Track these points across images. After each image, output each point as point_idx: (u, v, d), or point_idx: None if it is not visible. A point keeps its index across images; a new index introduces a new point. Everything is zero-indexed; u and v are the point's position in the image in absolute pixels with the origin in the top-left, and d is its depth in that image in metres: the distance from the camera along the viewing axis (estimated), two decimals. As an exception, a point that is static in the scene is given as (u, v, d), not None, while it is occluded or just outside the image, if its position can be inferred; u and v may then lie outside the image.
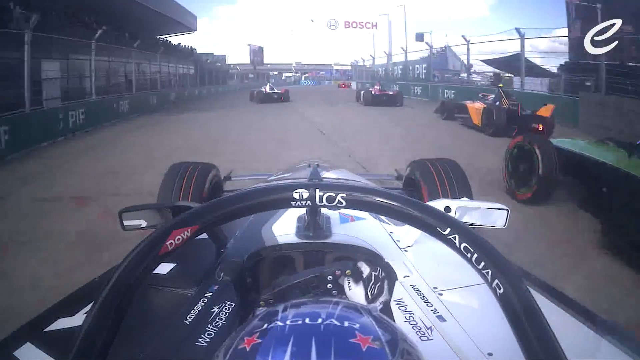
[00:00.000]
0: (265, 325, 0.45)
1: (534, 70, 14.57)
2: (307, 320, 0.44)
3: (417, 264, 1.08)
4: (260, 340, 0.43)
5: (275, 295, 0.94)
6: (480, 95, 10.59)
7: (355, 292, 0.99)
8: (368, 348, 0.41)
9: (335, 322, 0.44)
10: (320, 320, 0.44)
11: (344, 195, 0.67)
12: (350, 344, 0.41)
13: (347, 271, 0.94)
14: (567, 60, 13.81)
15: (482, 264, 0.59)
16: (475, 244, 0.60)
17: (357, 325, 0.44)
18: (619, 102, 8.67)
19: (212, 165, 2.48)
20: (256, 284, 1.09)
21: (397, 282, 0.99)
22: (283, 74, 45.49)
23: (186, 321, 0.85)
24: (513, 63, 14.79)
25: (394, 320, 0.81)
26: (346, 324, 0.44)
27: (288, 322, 0.45)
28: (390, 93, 17.43)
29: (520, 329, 0.54)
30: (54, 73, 10.44)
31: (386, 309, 0.91)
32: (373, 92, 17.10)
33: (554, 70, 14.13)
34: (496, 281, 0.57)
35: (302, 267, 1.11)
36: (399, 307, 0.90)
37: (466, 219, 1.03)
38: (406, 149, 6.99)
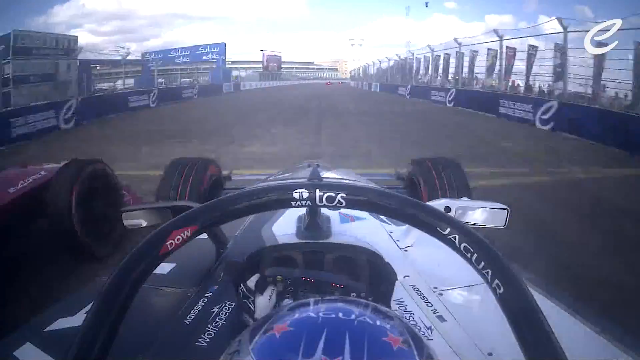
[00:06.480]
0: (297, 315, 0.45)
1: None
2: (340, 315, 0.44)
3: (417, 264, 1.08)
4: (291, 329, 0.43)
5: (291, 281, 0.92)
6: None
7: None
8: (399, 348, 0.42)
9: (368, 320, 0.44)
10: (353, 317, 0.44)
11: (344, 195, 0.66)
12: (383, 342, 0.42)
13: (362, 294, 0.93)
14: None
15: (482, 263, 0.59)
16: (475, 244, 0.60)
17: (388, 326, 0.44)
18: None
19: (212, 160, 2.50)
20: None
21: (397, 282, 0.99)
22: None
23: (186, 321, 0.85)
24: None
25: None
26: (378, 323, 0.44)
27: (321, 314, 0.45)
28: None
29: (520, 329, 0.54)
30: None
31: None
32: None
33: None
34: (496, 281, 0.57)
35: (302, 268, 1.10)
36: (399, 307, 0.90)
37: (466, 218, 1.02)
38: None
